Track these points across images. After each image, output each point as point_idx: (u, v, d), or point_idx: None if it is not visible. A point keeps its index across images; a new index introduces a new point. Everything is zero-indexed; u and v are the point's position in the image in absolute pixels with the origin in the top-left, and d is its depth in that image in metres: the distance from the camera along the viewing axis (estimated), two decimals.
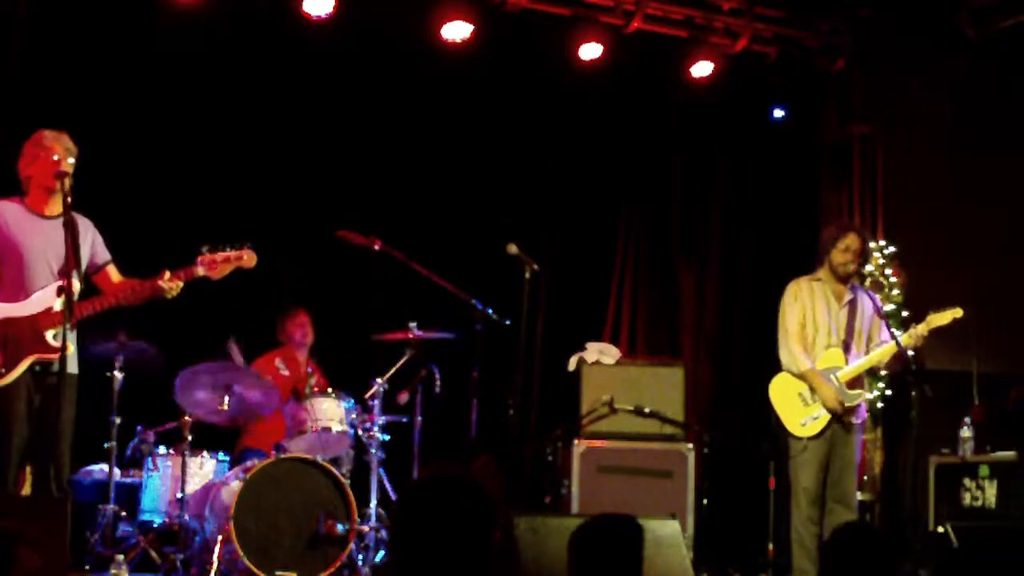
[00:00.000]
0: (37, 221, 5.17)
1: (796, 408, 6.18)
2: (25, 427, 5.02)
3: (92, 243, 5.31)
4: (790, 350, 6.25)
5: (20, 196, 5.23)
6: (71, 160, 5.12)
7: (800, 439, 6.15)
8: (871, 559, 3.41)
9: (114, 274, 5.38)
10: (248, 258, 5.39)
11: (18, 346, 5.03)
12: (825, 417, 6.13)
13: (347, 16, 7.34)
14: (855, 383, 6.21)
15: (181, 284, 5.24)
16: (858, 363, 6.20)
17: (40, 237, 5.13)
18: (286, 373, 7.23)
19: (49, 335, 5.07)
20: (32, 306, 5.09)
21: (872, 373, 6.47)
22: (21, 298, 5.09)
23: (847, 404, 6.13)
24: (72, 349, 5.09)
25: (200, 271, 5.30)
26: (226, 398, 6.35)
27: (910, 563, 5.99)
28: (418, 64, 7.83)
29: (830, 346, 6.22)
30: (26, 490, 5.19)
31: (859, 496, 6.49)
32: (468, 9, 7.53)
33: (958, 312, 6.13)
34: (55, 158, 5.10)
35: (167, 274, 5.21)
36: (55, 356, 4.94)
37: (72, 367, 5.14)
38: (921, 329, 6.14)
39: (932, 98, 8.50)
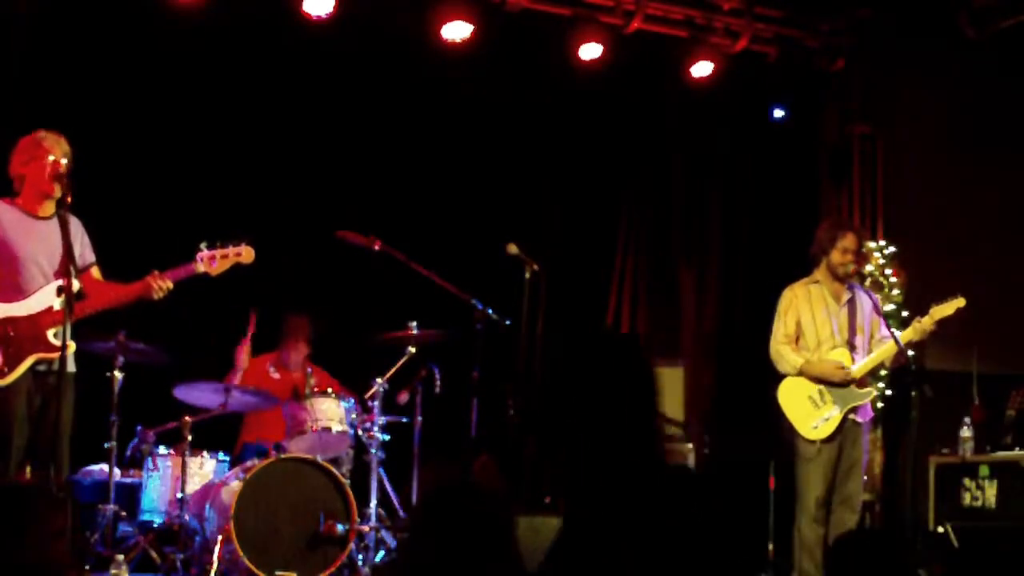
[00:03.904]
0: (32, 222, 5.16)
1: (807, 411, 6.16)
2: (25, 427, 5.02)
3: (81, 242, 5.30)
4: (779, 353, 6.25)
5: (11, 196, 5.21)
6: (64, 162, 5.12)
7: (813, 442, 6.12)
8: (877, 566, 3.39)
9: (97, 276, 5.37)
10: (246, 254, 5.39)
11: (19, 346, 5.03)
12: (836, 418, 6.11)
13: (347, 16, 7.34)
14: (862, 382, 6.21)
15: (170, 285, 5.22)
16: (864, 362, 6.19)
17: (34, 238, 5.13)
18: (276, 376, 7.26)
19: (50, 334, 5.08)
20: (32, 305, 5.09)
21: (872, 373, 6.46)
22: (17, 299, 5.09)
23: (857, 403, 6.13)
24: (72, 348, 5.10)
25: (199, 267, 5.30)
26: (227, 398, 6.43)
27: (911, 563, 5.99)
28: (418, 64, 7.83)
29: (835, 347, 6.21)
30: None
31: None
32: (468, 9, 7.53)
33: (961, 302, 6.12)
34: (51, 159, 5.10)
35: (155, 273, 5.20)
36: (56, 355, 4.94)
37: (70, 366, 5.14)
38: (926, 322, 6.12)
39: (932, 98, 8.50)
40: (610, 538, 2.32)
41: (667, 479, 2.38)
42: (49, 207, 5.16)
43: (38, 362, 5.07)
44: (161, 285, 5.18)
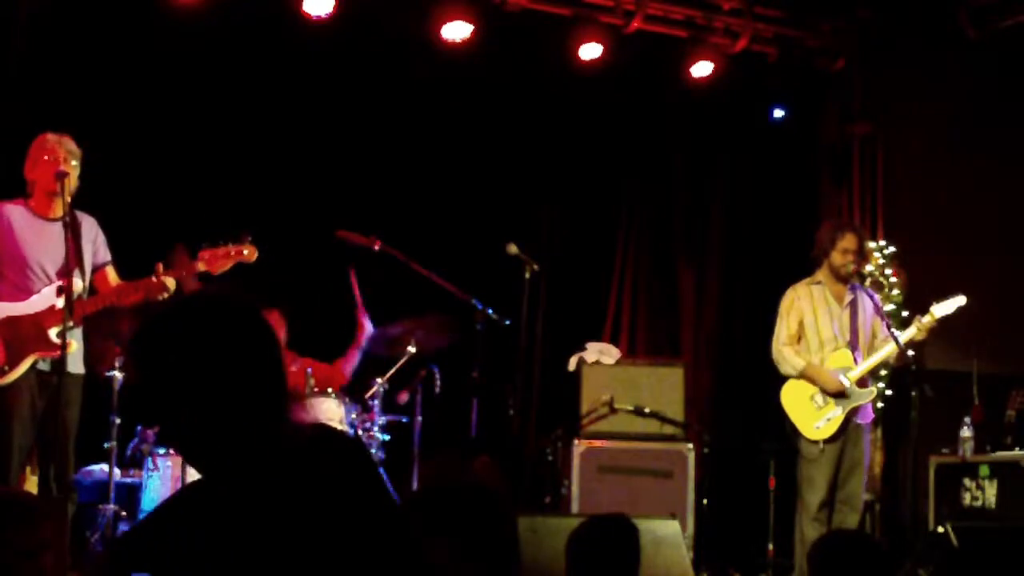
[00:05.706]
0: (41, 224, 5.19)
1: (809, 412, 6.17)
2: (28, 427, 5.02)
3: (95, 241, 5.32)
4: (781, 354, 6.27)
5: (24, 198, 5.26)
6: (74, 163, 5.16)
7: (816, 442, 6.13)
8: (862, 568, 3.40)
9: (112, 276, 5.39)
10: (249, 252, 5.41)
11: (21, 344, 5.05)
12: (839, 418, 6.12)
13: (347, 16, 7.33)
14: (863, 382, 6.21)
15: (173, 284, 5.24)
16: (867, 363, 6.20)
17: (44, 240, 5.16)
18: None
19: (52, 333, 5.09)
20: (35, 305, 5.11)
21: (873, 373, 6.47)
22: (22, 298, 5.11)
23: (859, 403, 6.14)
24: (75, 347, 5.11)
25: (201, 266, 5.32)
26: None
27: (910, 563, 5.99)
28: (418, 64, 7.82)
29: (837, 348, 6.22)
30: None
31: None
32: (468, 9, 7.53)
33: (961, 299, 6.13)
34: (55, 160, 5.13)
35: (160, 267, 5.22)
36: (58, 354, 4.95)
37: (78, 367, 5.15)
38: (927, 321, 6.12)
39: (932, 98, 8.49)
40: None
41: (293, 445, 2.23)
42: (59, 209, 5.18)
43: (40, 361, 5.07)
44: (165, 282, 5.20)
